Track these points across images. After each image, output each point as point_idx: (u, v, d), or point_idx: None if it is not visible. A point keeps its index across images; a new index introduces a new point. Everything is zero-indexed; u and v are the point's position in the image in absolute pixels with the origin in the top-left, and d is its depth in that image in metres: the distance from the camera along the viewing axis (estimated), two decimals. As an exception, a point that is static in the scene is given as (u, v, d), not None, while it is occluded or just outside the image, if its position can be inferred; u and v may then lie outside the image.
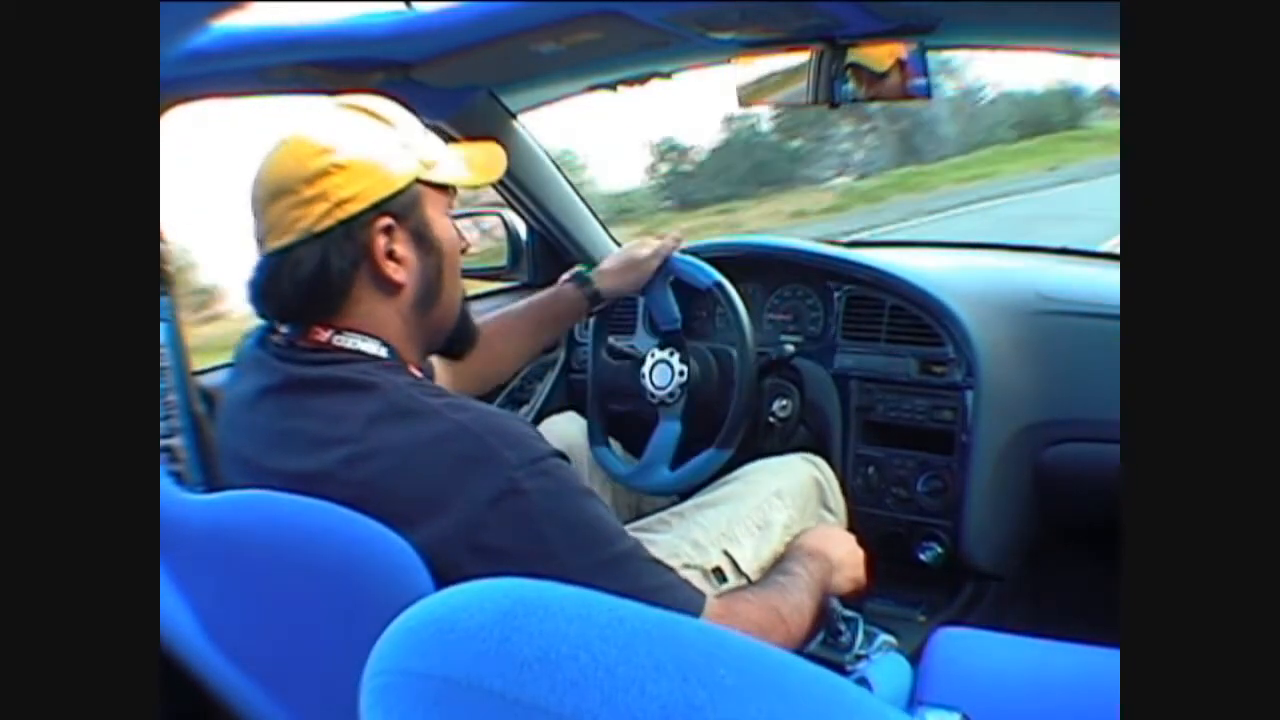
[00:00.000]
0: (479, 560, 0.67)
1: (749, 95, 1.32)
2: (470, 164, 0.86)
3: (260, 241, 0.77)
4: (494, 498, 0.68)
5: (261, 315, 0.81)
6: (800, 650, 1.06)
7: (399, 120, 0.80)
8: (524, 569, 0.68)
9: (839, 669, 1.02)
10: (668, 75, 1.42)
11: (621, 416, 1.37)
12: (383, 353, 0.78)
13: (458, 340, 0.90)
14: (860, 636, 1.03)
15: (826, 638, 1.02)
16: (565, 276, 1.26)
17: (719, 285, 1.22)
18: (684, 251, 1.27)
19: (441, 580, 0.59)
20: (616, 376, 1.33)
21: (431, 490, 0.68)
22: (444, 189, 0.83)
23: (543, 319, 1.24)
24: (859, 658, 1.05)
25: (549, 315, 1.24)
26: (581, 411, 1.40)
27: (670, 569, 0.79)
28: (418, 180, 0.79)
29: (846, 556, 1.05)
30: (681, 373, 1.24)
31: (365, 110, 0.80)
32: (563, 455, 0.74)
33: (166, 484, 0.63)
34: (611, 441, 1.37)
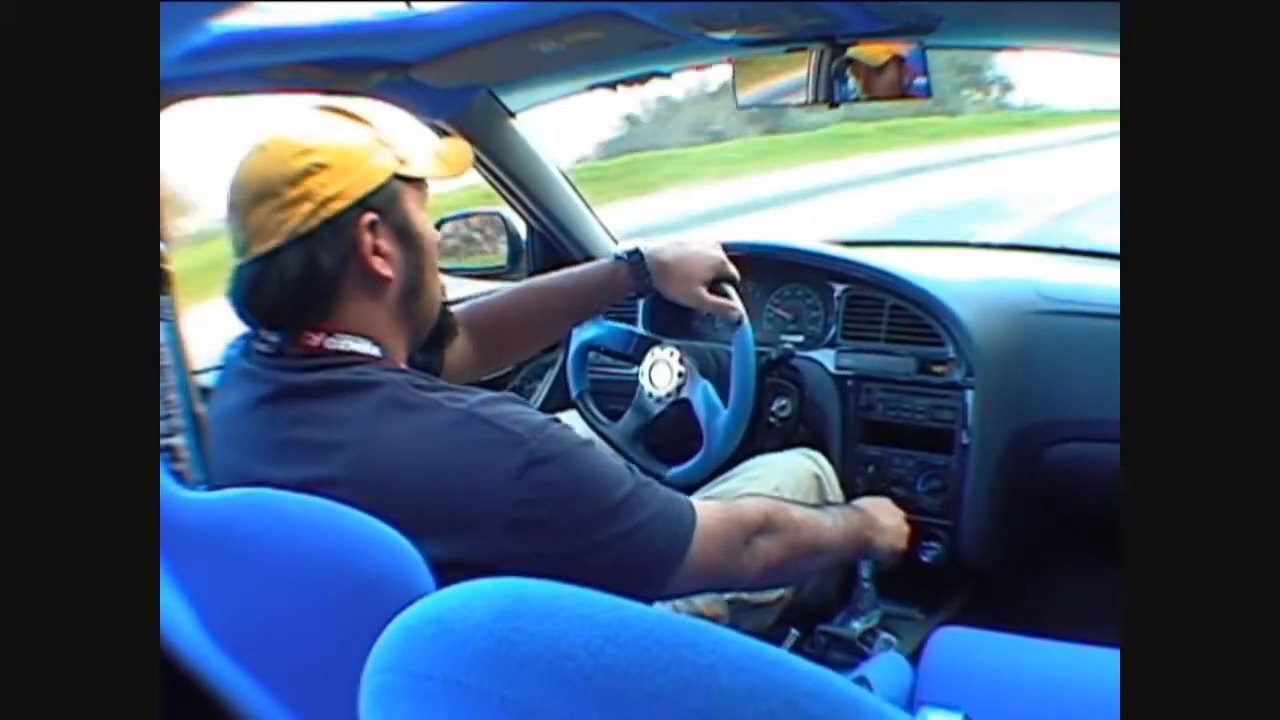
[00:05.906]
0: (517, 538, 0.69)
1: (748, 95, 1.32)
2: (441, 159, 0.87)
3: (243, 249, 0.77)
4: (518, 475, 0.70)
5: (249, 323, 0.80)
6: (815, 624, 1.15)
7: (373, 118, 0.82)
8: (556, 535, 0.70)
9: (846, 642, 1.10)
10: (668, 75, 1.42)
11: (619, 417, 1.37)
12: (375, 351, 0.78)
13: (439, 333, 0.91)
14: (874, 612, 1.14)
15: (843, 606, 1.12)
16: (620, 253, 1.12)
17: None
18: None
19: (483, 572, 0.58)
20: (614, 375, 1.33)
21: (455, 485, 0.69)
22: (419, 184, 0.84)
23: (587, 301, 1.15)
24: (867, 633, 1.09)
25: (594, 299, 1.15)
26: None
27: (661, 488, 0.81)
28: (395, 176, 0.80)
29: (891, 524, 1.10)
30: (681, 373, 1.24)
31: (340, 111, 0.81)
32: (555, 419, 0.76)
33: (167, 482, 0.62)
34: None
